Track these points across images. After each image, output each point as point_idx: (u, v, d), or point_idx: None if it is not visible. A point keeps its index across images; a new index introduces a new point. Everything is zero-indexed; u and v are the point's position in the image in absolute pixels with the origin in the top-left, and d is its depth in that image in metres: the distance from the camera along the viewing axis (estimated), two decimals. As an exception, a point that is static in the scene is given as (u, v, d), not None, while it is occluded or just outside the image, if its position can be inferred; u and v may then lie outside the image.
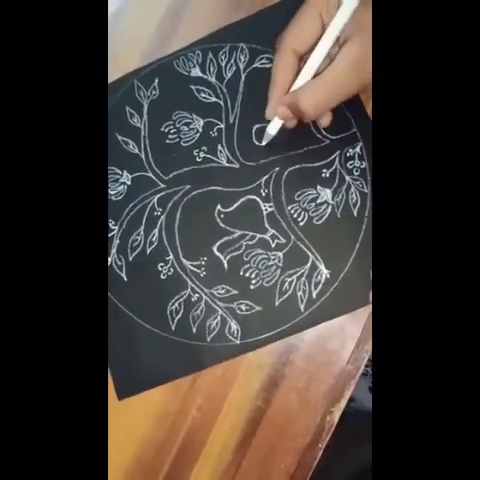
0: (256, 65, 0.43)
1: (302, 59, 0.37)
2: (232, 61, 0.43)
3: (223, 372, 0.41)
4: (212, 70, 0.44)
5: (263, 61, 0.43)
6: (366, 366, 0.40)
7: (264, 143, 0.41)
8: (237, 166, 0.42)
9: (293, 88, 0.37)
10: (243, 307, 0.41)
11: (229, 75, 0.43)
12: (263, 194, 0.41)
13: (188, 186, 0.43)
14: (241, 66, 0.43)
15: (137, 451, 0.41)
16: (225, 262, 0.41)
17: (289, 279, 0.40)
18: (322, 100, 0.35)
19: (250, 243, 0.41)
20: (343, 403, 0.39)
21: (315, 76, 0.36)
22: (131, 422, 0.41)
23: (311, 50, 0.36)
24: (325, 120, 0.38)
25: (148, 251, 0.43)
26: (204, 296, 0.41)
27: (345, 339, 0.39)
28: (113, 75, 0.45)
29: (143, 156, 0.44)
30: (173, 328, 0.41)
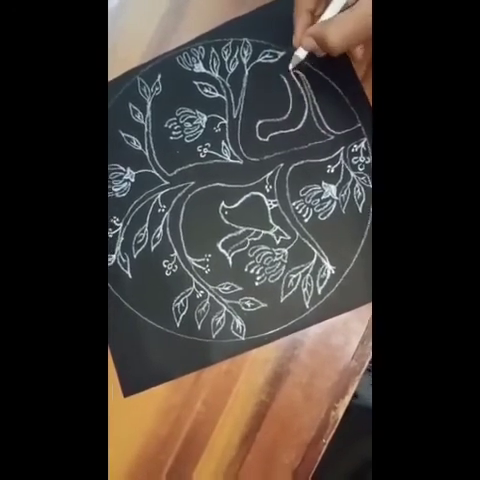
0: (260, 60, 0.43)
1: None
2: (235, 56, 0.43)
3: (228, 367, 0.41)
4: (215, 65, 0.43)
5: (267, 56, 0.42)
6: (369, 362, 0.40)
7: (291, 67, 0.40)
8: (241, 162, 0.42)
9: (323, 17, 0.36)
10: (248, 304, 0.41)
11: (232, 70, 0.43)
12: (267, 190, 0.41)
13: (192, 183, 0.43)
14: (244, 61, 0.43)
15: (141, 445, 0.41)
16: (230, 259, 0.41)
17: (294, 275, 0.40)
18: (350, 33, 0.33)
19: (255, 239, 0.41)
20: (347, 399, 0.39)
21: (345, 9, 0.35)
22: (135, 416, 0.42)
23: None
24: (358, 51, 0.38)
25: (152, 248, 0.43)
26: (209, 293, 0.41)
27: (350, 335, 0.39)
28: (115, 71, 0.45)
29: (147, 153, 0.44)
30: (178, 325, 0.41)
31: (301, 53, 0.39)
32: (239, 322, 0.40)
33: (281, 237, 0.41)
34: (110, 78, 0.45)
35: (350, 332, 0.39)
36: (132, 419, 0.42)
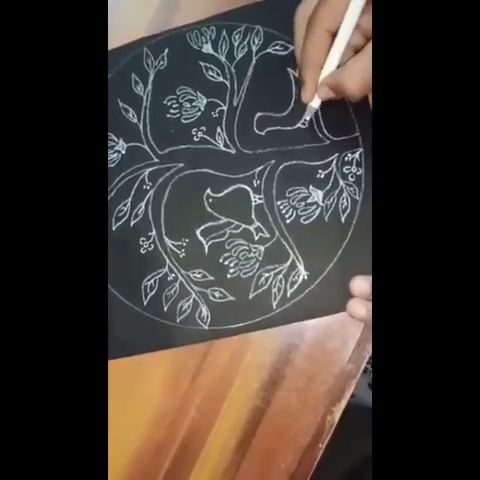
0: (269, 50, 0.42)
1: (334, 37, 0.35)
2: (245, 42, 0.42)
3: (222, 372, 0.40)
4: (224, 48, 0.42)
5: (277, 47, 0.41)
6: (366, 364, 0.39)
7: (308, 118, 0.38)
8: (233, 152, 0.41)
9: (326, 67, 0.35)
10: (217, 294, 0.40)
11: (240, 56, 0.42)
12: (255, 185, 0.41)
13: (181, 164, 0.42)
14: (254, 49, 0.42)
15: (136, 451, 0.41)
16: (206, 247, 0.41)
17: (266, 274, 0.40)
18: (368, 78, 0.33)
19: (234, 232, 0.41)
20: (344, 403, 0.38)
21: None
22: (130, 422, 0.41)
23: None
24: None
25: (132, 223, 0.42)
26: (180, 277, 0.41)
27: (346, 338, 0.39)
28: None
29: (141, 127, 0.43)
30: (145, 304, 0.41)
31: (316, 103, 0.37)
32: (205, 311, 0.40)
33: (260, 234, 0.40)
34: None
35: (347, 335, 0.39)
36: (127, 424, 0.42)
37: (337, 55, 0.35)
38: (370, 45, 0.33)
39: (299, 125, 0.40)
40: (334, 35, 0.34)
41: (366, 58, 0.33)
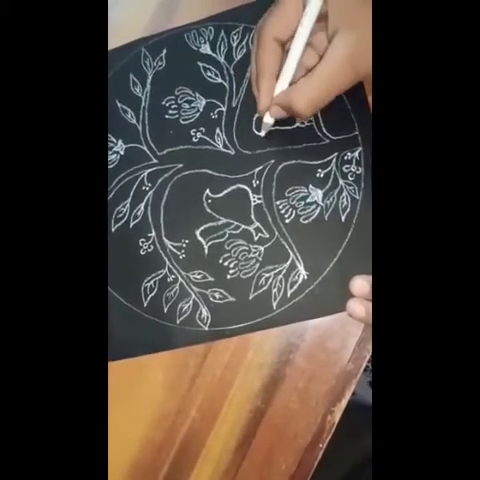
0: (268, 50, 0.41)
1: (284, 47, 0.36)
2: (244, 43, 0.42)
3: (222, 372, 0.40)
4: (222, 49, 0.42)
5: (275, 47, 0.41)
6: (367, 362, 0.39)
7: (263, 133, 0.40)
8: (232, 152, 0.41)
9: (279, 83, 0.36)
10: (217, 295, 0.40)
11: (239, 57, 0.42)
12: (254, 185, 0.41)
13: (180, 165, 0.42)
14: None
15: (136, 452, 0.41)
16: (206, 248, 0.41)
17: (266, 275, 0.40)
18: (316, 99, 0.34)
19: (233, 233, 0.41)
20: (344, 403, 0.38)
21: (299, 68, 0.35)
22: (131, 423, 0.41)
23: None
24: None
25: (131, 225, 0.42)
26: (180, 278, 0.41)
27: (346, 338, 0.39)
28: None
29: (140, 128, 0.43)
30: (145, 305, 0.41)
31: (270, 119, 0.37)
32: (205, 312, 0.40)
33: (260, 234, 0.40)
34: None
35: (347, 335, 0.39)
36: (127, 425, 0.41)
37: (289, 71, 0.35)
38: (322, 65, 0.33)
39: (298, 124, 0.40)
40: (284, 44, 0.35)
41: (315, 78, 0.33)
